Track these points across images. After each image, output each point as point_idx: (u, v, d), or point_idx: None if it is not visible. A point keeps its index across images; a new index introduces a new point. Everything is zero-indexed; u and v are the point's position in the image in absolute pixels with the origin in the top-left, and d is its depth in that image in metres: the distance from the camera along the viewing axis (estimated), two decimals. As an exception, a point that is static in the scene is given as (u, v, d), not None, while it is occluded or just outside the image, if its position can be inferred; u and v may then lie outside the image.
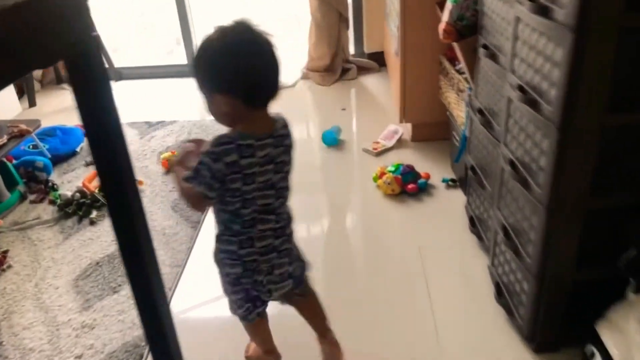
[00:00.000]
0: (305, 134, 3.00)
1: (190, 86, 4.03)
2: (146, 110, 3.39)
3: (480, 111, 1.79)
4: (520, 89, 1.39)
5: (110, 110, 0.69)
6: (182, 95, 3.59)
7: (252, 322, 1.44)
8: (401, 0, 2.37)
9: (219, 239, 1.32)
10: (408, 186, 2.27)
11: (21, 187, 2.51)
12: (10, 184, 2.48)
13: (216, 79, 1.14)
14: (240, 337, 1.54)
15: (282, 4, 3.70)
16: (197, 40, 3.92)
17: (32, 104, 3.58)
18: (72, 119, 3.05)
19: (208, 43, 1.14)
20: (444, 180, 2.35)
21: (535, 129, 1.34)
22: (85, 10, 0.61)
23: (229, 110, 1.16)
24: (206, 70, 1.15)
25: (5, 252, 2.14)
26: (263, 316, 1.45)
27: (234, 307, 1.41)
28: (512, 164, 1.49)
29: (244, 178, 1.18)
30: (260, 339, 1.52)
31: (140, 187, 2.32)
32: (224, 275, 1.35)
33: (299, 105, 3.35)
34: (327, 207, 2.37)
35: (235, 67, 1.12)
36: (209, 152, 1.15)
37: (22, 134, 2.46)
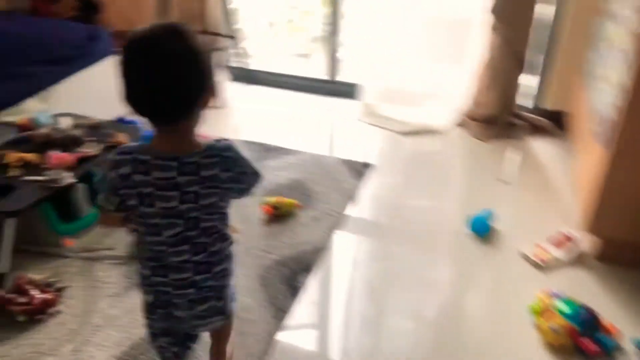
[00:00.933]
0: (442, 205, 2.33)
1: (322, 108, 3.40)
2: (266, 129, 2.94)
3: None
4: None
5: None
6: (310, 118, 3.10)
7: None
8: (634, 72, 1.63)
9: (138, 257, 1.21)
10: (586, 343, 1.55)
11: (105, 203, 2.17)
12: (96, 197, 2.16)
13: (122, 83, 1.05)
14: None
15: (446, 27, 3.02)
16: (340, 44, 3.30)
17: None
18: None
19: (126, 40, 1.04)
20: (637, 344, 1.59)
21: None
22: None
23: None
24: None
25: (61, 290, 1.79)
26: (182, 358, 1.30)
27: (149, 339, 1.29)
28: None
29: (140, 197, 1.10)
30: None
31: (233, 234, 1.74)
32: (143, 300, 1.23)
33: (445, 160, 2.70)
34: (452, 332, 1.69)
35: (125, 73, 1.03)
36: (109, 159, 1.11)
37: (117, 146, 2.11)
